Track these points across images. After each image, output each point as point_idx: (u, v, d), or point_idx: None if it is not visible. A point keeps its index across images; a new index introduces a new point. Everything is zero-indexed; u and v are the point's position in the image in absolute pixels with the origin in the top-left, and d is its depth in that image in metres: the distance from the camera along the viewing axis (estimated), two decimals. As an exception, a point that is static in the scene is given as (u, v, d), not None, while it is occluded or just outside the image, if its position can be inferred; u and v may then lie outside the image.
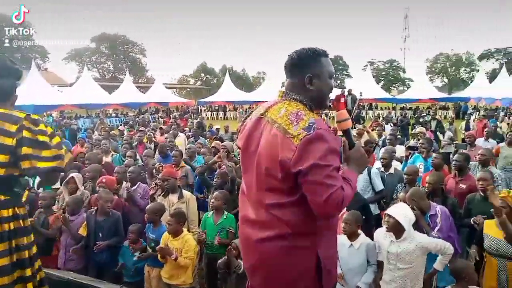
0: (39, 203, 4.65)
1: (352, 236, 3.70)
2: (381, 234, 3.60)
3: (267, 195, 1.85)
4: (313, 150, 1.66)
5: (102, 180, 5.02)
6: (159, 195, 4.95)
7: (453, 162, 5.14)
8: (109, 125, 27.93)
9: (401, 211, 3.43)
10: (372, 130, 10.46)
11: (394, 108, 33.04)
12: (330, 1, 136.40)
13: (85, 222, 4.46)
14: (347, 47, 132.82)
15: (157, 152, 7.85)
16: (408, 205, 3.80)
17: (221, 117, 36.72)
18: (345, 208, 4.25)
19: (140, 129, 12.04)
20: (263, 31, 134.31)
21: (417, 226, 3.66)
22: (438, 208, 3.89)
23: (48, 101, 25.95)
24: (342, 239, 3.67)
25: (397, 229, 3.37)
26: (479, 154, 5.63)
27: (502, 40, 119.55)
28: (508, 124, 16.07)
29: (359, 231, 3.76)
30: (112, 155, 8.23)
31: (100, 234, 4.42)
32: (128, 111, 34.75)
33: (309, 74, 1.88)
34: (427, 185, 4.53)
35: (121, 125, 18.33)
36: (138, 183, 5.40)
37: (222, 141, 8.90)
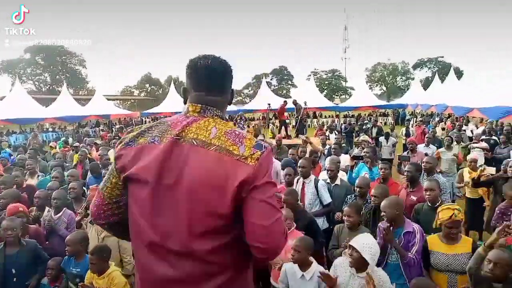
0: None
1: (304, 264, 3.40)
2: (341, 265, 3.30)
3: (201, 241, 1.45)
4: (266, 166, 1.49)
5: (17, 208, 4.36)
6: (87, 222, 4.40)
7: (405, 173, 5.07)
8: (45, 140, 26.24)
9: (366, 244, 3.10)
10: (320, 136, 10.49)
11: (337, 116, 33.95)
12: (273, 11, 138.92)
13: None
14: (291, 58, 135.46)
15: (88, 172, 7.09)
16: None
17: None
18: (292, 227, 4.02)
19: (74, 144, 11.09)
20: (209, 40, 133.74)
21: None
22: (415, 226, 3.64)
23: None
24: (292, 268, 3.39)
25: (361, 263, 3.08)
26: (423, 162, 5.63)
27: (433, 49, 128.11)
28: (443, 129, 16.91)
29: (311, 258, 3.47)
30: (39, 176, 7.41)
31: (13, 271, 3.78)
32: (66, 125, 32.76)
33: (232, 88, 1.70)
34: (373, 198, 4.38)
35: (53, 141, 16.92)
36: (64, 209, 4.80)
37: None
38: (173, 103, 35.46)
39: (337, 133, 13.65)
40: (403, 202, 4.14)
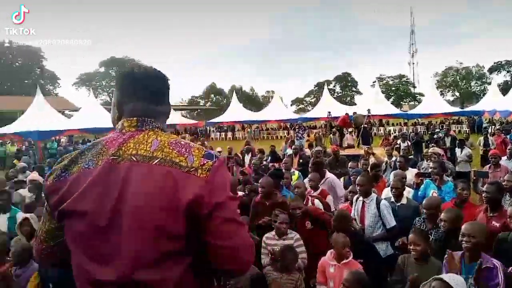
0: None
1: None
2: None
3: (149, 270, 1.23)
4: (223, 180, 1.33)
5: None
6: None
7: (484, 194, 4.28)
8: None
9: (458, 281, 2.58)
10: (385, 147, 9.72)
11: (405, 124, 32.16)
12: (337, 17, 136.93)
13: (36, 274, 3.75)
14: (355, 64, 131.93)
15: None
16: None
17: (229, 137, 36.36)
18: (350, 257, 3.52)
19: None
20: (272, 50, 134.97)
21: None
22: (496, 262, 2.98)
23: (53, 127, 25.85)
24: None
25: None
26: (505, 180, 4.81)
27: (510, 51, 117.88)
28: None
29: None
30: None
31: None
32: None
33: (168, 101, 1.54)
34: (442, 223, 3.75)
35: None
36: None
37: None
38: (236, 112, 36.08)
39: (409, 142, 12.61)
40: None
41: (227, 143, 30.59)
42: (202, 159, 1.31)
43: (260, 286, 3.58)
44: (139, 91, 1.43)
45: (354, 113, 16.15)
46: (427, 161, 7.95)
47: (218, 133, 38.50)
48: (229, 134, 37.33)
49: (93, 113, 28.53)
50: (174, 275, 1.26)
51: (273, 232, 4.21)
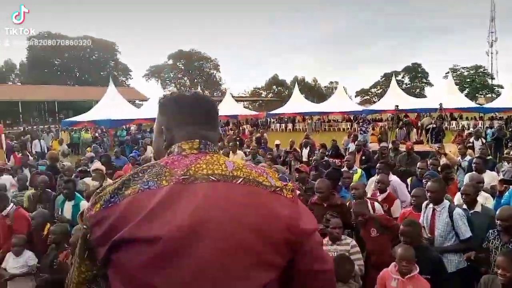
0: (49, 238, 4.15)
1: None
2: None
3: None
4: (304, 205, 1.30)
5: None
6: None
7: None
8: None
9: None
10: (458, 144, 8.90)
11: (481, 118, 29.65)
12: (406, 4, 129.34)
13: None
14: (425, 54, 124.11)
15: None
16: None
17: (289, 129, 36.03)
18: (416, 271, 3.17)
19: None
20: (337, 39, 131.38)
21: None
22: None
23: (124, 116, 27.35)
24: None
25: None
26: None
27: None
28: None
29: None
30: None
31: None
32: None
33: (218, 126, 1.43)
34: (499, 222, 3.27)
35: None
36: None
37: (274, 162, 7.99)
38: (297, 103, 35.63)
39: (483, 141, 11.43)
40: None
41: (287, 134, 30.35)
42: (280, 181, 1.22)
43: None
44: (196, 115, 1.32)
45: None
46: (508, 164, 7.10)
47: (278, 125, 38.31)
48: (289, 126, 36.95)
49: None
50: None
51: (327, 238, 3.94)
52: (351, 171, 6.75)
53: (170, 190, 1.11)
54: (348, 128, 31.67)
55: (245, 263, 1.08)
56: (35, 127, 38.35)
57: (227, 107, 35.78)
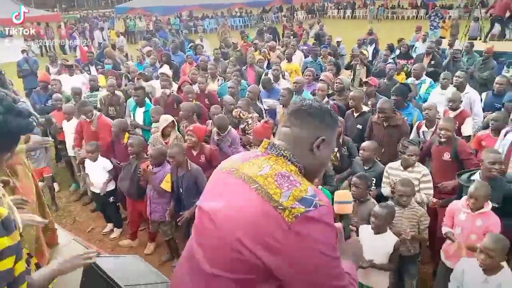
0: (129, 149, 4.49)
1: (492, 269, 2.63)
2: None
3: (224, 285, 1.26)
4: (317, 235, 1.17)
5: (189, 129, 4.51)
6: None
7: None
8: (232, 25, 27.71)
9: None
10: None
11: None
12: None
13: (169, 175, 4.20)
14: None
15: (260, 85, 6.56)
16: None
17: (348, 16, 33.49)
18: (488, 207, 3.14)
19: (254, 41, 10.75)
20: None
21: None
22: None
23: (175, 3, 26.61)
24: (473, 269, 2.68)
25: None
26: None
27: None
28: None
29: (503, 264, 2.66)
30: (219, 80, 7.51)
31: (181, 190, 4.13)
32: (252, 9, 33.73)
33: (323, 136, 1.37)
34: None
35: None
36: (229, 127, 4.85)
37: (338, 68, 7.52)
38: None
39: None
40: None
41: (346, 23, 28.45)
42: (296, 202, 1.17)
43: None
44: (296, 118, 1.40)
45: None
46: None
47: (336, 11, 35.62)
48: (348, 12, 34.18)
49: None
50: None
51: (399, 162, 3.91)
52: (417, 82, 6.35)
53: (220, 176, 1.42)
54: (414, 16, 28.94)
55: (227, 257, 1.23)
56: (89, 11, 38.47)
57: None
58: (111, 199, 5.08)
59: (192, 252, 1.40)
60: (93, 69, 9.15)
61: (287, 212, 1.15)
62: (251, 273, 1.20)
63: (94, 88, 7.11)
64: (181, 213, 4.11)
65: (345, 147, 4.46)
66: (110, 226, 5.29)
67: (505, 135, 4.02)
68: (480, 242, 2.82)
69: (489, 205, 3.14)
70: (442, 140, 3.92)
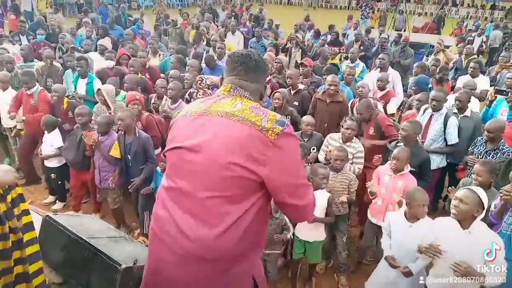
0: (77, 119, 4.45)
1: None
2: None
3: (218, 203, 1.55)
4: (292, 147, 1.59)
5: (135, 97, 4.54)
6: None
7: None
8: (169, 3, 26.64)
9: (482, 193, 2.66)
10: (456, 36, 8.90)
11: (483, 7, 28.06)
12: None
13: (116, 143, 4.25)
14: None
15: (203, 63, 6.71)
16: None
17: (284, 2, 33.64)
18: (407, 170, 3.66)
19: (193, 21, 10.63)
20: None
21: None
22: None
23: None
24: (398, 219, 3.18)
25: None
26: None
27: None
28: None
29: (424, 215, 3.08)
30: (160, 55, 7.56)
31: (129, 157, 4.21)
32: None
33: (265, 84, 1.84)
34: (485, 133, 3.84)
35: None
36: (179, 101, 5.00)
37: (277, 50, 7.90)
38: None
39: (484, 38, 10.94)
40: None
41: (283, 8, 28.84)
42: (275, 124, 1.53)
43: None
44: (235, 67, 1.72)
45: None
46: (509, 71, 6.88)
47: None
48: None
49: None
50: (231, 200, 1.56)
51: (339, 134, 4.35)
52: (352, 65, 6.89)
53: (191, 118, 1.67)
54: (346, 6, 30.27)
55: (220, 174, 1.52)
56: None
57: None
58: (53, 175, 5.01)
59: (174, 193, 1.65)
60: (23, 39, 8.59)
61: (270, 132, 1.52)
62: (241, 188, 1.53)
63: (27, 58, 6.71)
64: (131, 180, 4.21)
65: (289, 117, 4.79)
66: (51, 198, 5.21)
67: (424, 112, 4.62)
68: (400, 200, 3.38)
69: (408, 168, 3.68)
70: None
